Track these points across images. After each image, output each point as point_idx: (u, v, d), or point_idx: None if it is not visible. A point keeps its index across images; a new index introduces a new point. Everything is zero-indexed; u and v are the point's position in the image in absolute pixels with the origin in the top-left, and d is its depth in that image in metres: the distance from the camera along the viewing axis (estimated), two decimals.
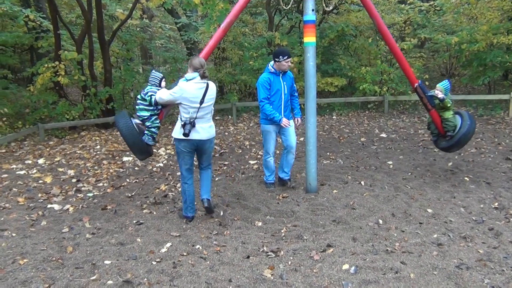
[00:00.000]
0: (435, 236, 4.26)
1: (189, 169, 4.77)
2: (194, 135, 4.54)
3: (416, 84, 5.82)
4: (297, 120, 5.84)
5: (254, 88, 14.01)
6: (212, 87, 4.60)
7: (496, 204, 5.09)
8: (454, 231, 4.36)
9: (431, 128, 6.21)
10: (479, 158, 7.14)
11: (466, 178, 6.09)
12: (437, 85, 5.88)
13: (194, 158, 4.84)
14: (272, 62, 5.50)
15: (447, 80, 5.95)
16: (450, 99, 5.82)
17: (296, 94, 5.84)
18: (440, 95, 5.74)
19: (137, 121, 4.86)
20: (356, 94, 12.79)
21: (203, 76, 4.48)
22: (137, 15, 12.78)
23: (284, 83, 5.53)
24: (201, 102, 4.48)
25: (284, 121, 5.42)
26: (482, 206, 5.07)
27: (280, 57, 5.35)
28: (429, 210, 4.94)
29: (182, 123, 4.52)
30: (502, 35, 11.18)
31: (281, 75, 5.50)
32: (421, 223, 4.59)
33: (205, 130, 4.61)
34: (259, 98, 5.50)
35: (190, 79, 4.48)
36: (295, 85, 5.82)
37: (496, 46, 11.64)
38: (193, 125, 4.49)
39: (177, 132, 4.60)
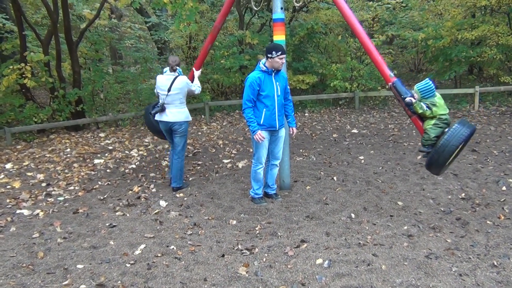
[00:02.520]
0: (405, 228, 4.37)
1: (172, 145, 5.91)
2: (164, 117, 5.61)
3: (389, 84, 4.72)
4: (292, 130, 5.18)
5: (227, 87, 14.02)
6: (180, 79, 5.56)
7: (463, 194, 5.26)
8: (424, 222, 4.49)
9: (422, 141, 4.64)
10: None
11: None
12: (415, 86, 4.55)
13: None
14: (263, 60, 4.84)
15: (427, 79, 4.51)
16: (426, 104, 4.41)
17: (289, 97, 5.16)
18: (408, 99, 4.54)
19: None
20: (327, 91, 12.95)
21: (171, 70, 5.57)
22: (105, 15, 12.59)
23: (277, 83, 4.87)
24: (169, 90, 5.52)
25: (258, 135, 4.77)
26: (450, 197, 5.22)
27: (273, 52, 4.67)
28: (400, 203, 5.06)
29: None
30: (466, 31, 11.53)
31: (273, 74, 4.85)
32: (391, 215, 4.71)
33: (172, 113, 5.59)
34: (243, 99, 4.84)
35: (164, 73, 5.65)
36: (288, 86, 5.16)
37: (461, 41, 12.00)
38: (163, 109, 5.56)
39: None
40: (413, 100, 4.50)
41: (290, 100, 5.16)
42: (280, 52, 4.68)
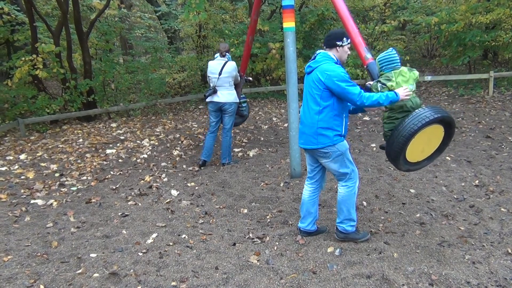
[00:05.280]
0: (417, 215, 4.34)
1: (212, 126, 6.41)
2: (215, 98, 6.20)
3: (365, 66, 4.18)
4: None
5: None
6: (229, 64, 6.17)
7: (477, 181, 5.19)
8: (436, 210, 4.44)
9: None
10: (460, 137, 7.24)
11: (447, 158, 6.18)
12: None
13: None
14: (325, 51, 3.70)
15: (391, 49, 3.77)
16: (382, 84, 3.62)
17: None
18: (367, 83, 3.85)
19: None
20: None
21: (221, 55, 6.21)
22: (115, 5, 12.56)
23: None
24: (220, 73, 6.12)
25: (404, 91, 3.49)
26: (463, 184, 5.16)
27: (344, 39, 3.64)
28: (412, 191, 5.02)
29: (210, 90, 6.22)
30: (480, 15, 11.28)
31: None
32: (404, 203, 4.67)
33: (223, 95, 6.18)
34: (350, 90, 3.46)
35: (215, 58, 6.28)
36: None
37: (475, 25, 11.75)
38: (215, 91, 6.16)
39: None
40: (371, 83, 3.77)
41: None
42: (350, 39, 3.76)
